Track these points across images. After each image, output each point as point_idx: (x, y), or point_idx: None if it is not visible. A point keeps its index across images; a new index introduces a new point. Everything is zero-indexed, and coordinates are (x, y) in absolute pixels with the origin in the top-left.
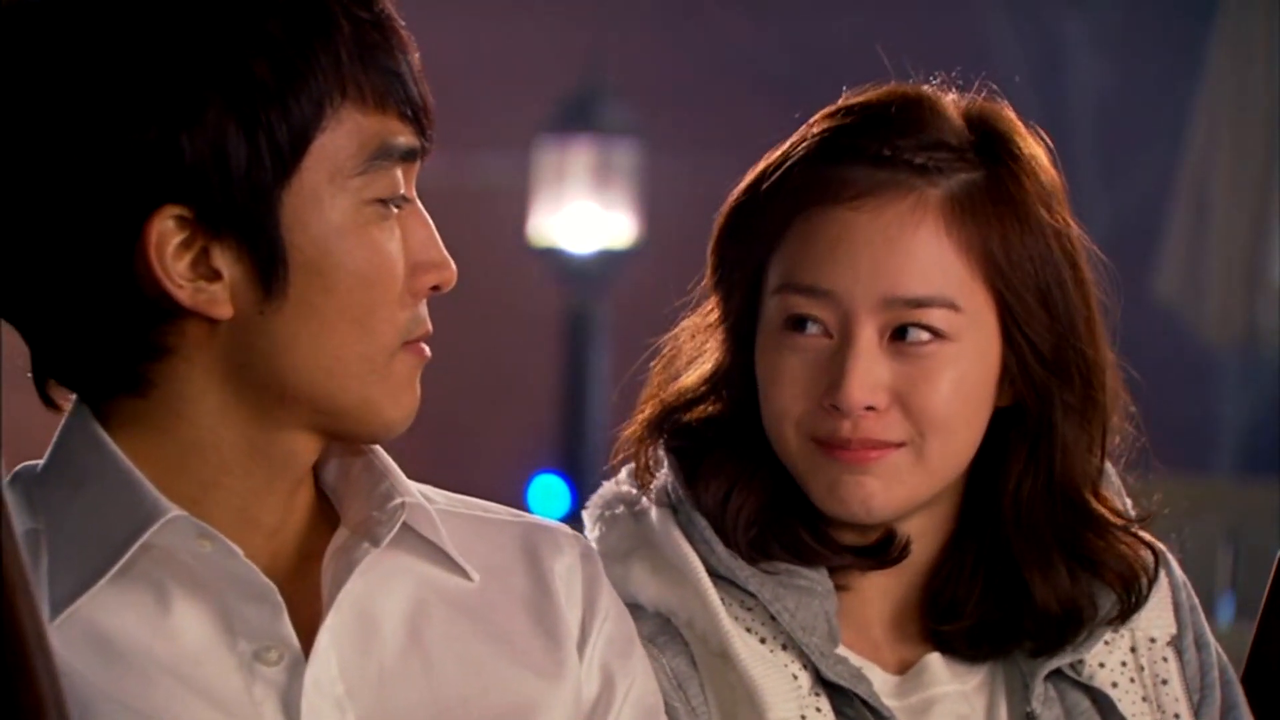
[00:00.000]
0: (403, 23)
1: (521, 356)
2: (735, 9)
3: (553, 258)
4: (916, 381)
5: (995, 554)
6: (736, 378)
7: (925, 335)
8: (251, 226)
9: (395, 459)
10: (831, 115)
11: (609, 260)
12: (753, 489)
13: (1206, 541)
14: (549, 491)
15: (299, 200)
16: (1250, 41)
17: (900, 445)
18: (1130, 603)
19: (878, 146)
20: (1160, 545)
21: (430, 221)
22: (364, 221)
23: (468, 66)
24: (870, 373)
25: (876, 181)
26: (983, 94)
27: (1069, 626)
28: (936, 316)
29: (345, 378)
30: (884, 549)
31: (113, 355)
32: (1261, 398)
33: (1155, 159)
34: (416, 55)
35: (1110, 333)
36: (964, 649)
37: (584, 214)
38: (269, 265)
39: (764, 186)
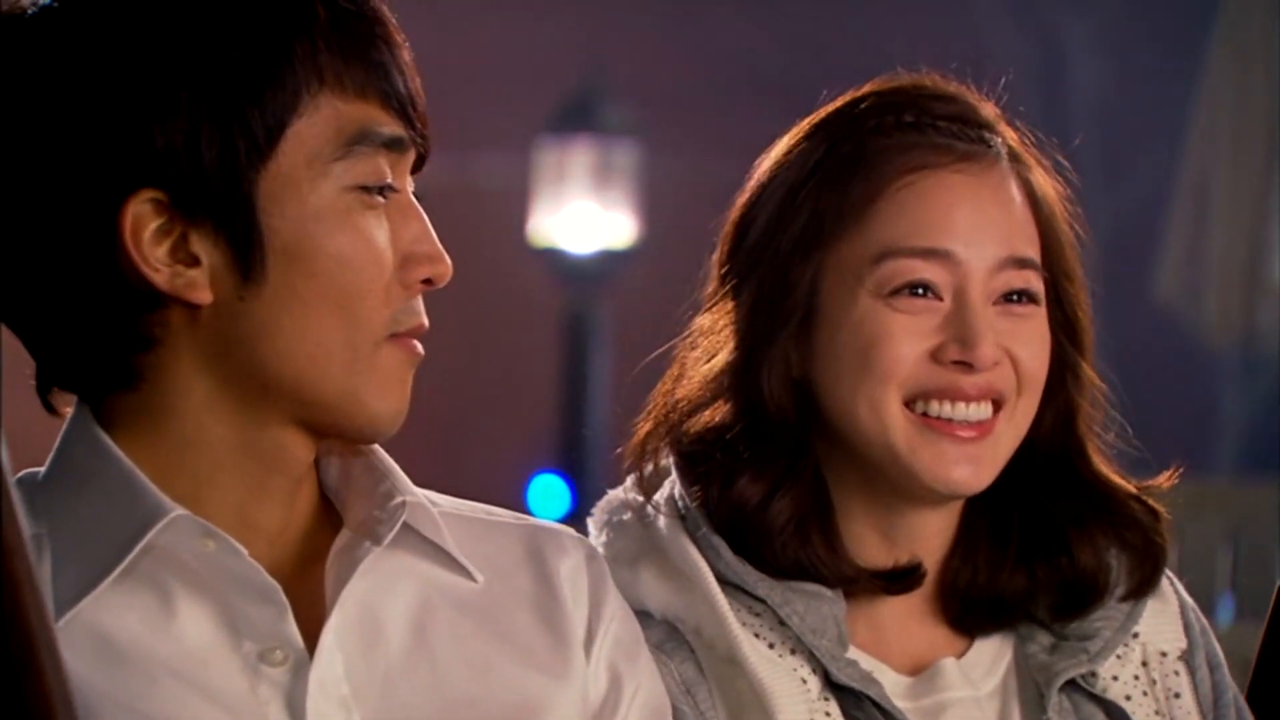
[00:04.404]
0: (393, 18)
1: (521, 357)
2: (735, 9)
3: (553, 258)
4: (1020, 339)
5: (1006, 525)
6: (755, 373)
7: (1026, 298)
8: (227, 211)
9: (395, 458)
10: (882, 94)
11: (609, 260)
12: (797, 491)
13: (1206, 541)
14: (549, 491)
15: (276, 185)
16: (1250, 41)
17: (998, 410)
18: (1148, 565)
19: (956, 122)
20: (1162, 510)
21: (425, 216)
22: (347, 208)
23: (468, 66)
24: (991, 327)
25: (973, 150)
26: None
27: (1092, 588)
28: (1033, 279)
29: (328, 365)
30: (904, 575)
31: (102, 346)
32: (1261, 398)
33: (1155, 159)
34: (406, 50)
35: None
36: (986, 622)
37: (584, 214)
38: (246, 249)
39: (809, 166)
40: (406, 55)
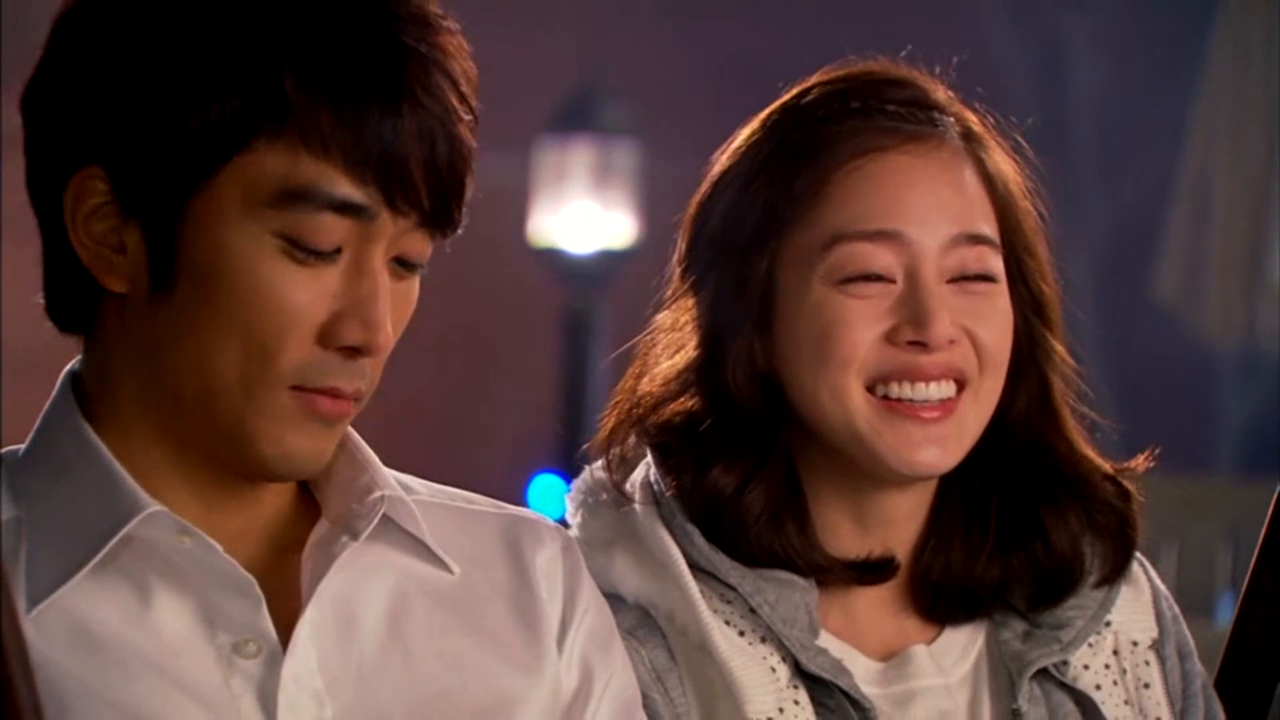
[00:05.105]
0: (440, 84)
1: (521, 357)
2: (735, 9)
3: (553, 258)
4: (979, 317)
5: (981, 513)
6: (720, 369)
7: (981, 276)
8: (152, 216)
9: (396, 458)
10: (830, 83)
11: (609, 260)
12: (770, 481)
13: (1206, 541)
14: (549, 491)
15: (208, 207)
16: (1250, 41)
17: (961, 389)
18: (1120, 551)
19: (906, 105)
20: (1137, 496)
21: (383, 287)
22: (261, 250)
23: None
24: (946, 305)
25: (920, 131)
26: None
27: (1068, 576)
28: (988, 256)
29: (224, 393)
30: (877, 568)
31: (70, 283)
32: (1261, 398)
33: (1155, 159)
34: (433, 118)
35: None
36: (959, 612)
37: (584, 214)
38: (159, 257)
39: (761, 158)
40: (420, 123)
